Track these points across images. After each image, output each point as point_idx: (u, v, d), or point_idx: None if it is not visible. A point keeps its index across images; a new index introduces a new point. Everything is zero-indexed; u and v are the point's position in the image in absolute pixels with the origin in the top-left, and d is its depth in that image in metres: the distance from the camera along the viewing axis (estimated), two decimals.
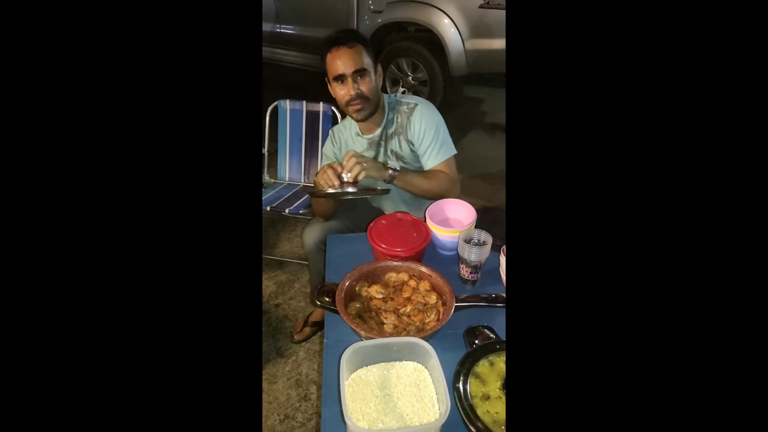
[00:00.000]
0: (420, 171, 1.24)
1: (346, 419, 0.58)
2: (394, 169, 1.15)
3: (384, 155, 1.29)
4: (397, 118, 1.26)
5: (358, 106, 1.19)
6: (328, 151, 1.35)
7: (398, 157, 1.28)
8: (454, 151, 1.24)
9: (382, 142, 1.28)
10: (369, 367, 0.70)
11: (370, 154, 1.29)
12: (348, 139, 1.32)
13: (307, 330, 1.61)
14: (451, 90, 3.03)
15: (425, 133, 1.22)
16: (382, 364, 0.71)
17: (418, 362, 0.71)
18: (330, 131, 1.36)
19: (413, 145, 1.25)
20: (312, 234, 1.33)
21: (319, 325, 1.64)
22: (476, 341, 0.77)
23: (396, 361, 0.71)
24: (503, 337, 0.78)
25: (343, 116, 1.44)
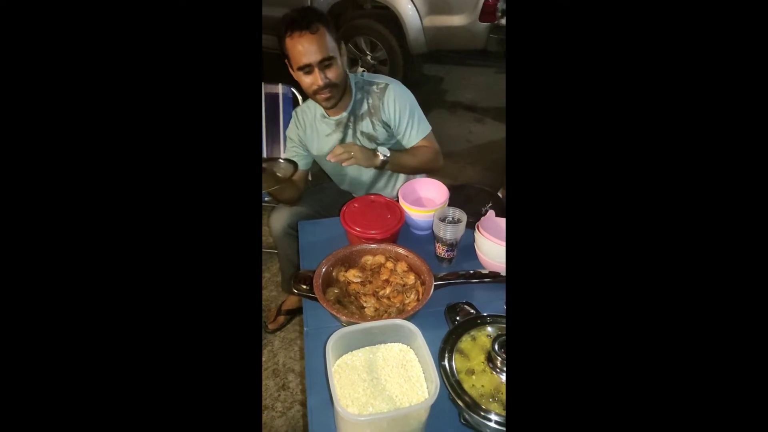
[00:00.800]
0: (405, 151, 1.24)
1: (336, 406, 0.57)
2: (385, 155, 1.14)
3: (353, 137, 1.26)
4: (367, 99, 1.23)
5: (327, 95, 1.14)
6: (291, 133, 1.30)
7: (371, 138, 1.25)
8: (430, 127, 1.24)
9: (350, 124, 1.25)
10: (354, 351, 0.70)
11: (337, 136, 1.26)
12: (313, 121, 1.27)
13: (281, 319, 1.58)
14: (411, 68, 3.00)
15: (401, 114, 1.20)
16: (367, 348, 0.70)
17: (403, 343, 0.71)
18: (293, 113, 1.31)
19: (389, 127, 1.23)
20: (279, 220, 1.29)
21: (293, 313, 1.61)
22: (457, 318, 0.78)
23: (381, 343, 0.71)
24: (483, 312, 0.80)
25: (305, 97, 1.38)
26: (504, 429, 0.62)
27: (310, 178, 1.48)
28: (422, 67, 3.22)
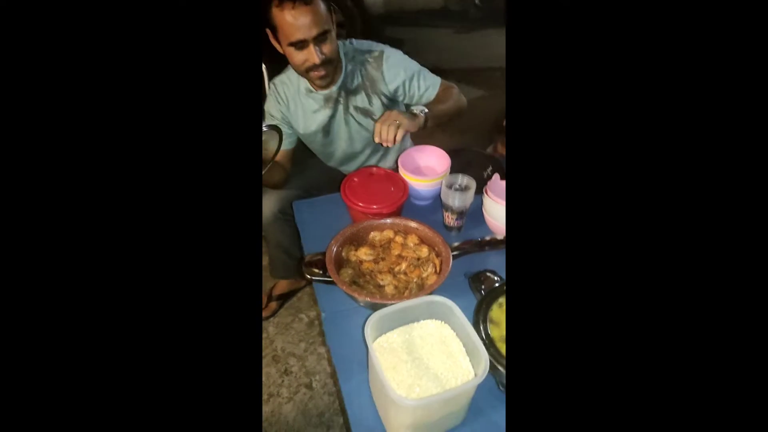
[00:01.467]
0: (433, 101, 1.13)
1: (389, 393, 0.54)
2: (424, 112, 1.02)
3: (345, 113, 1.17)
4: (361, 71, 1.13)
5: (323, 73, 1.04)
6: (272, 110, 1.19)
7: (365, 113, 1.17)
8: (438, 77, 1.16)
9: (341, 99, 1.15)
10: (388, 333, 0.67)
11: (326, 112, 1.17)
12: (296, 96, 1.17)
13: (273, 305, 1.52)
14: (370, 32, 2.87)
15: (407, 77, 1.12)
16: (402, 328, 0.67)
17: (436, 319, 0.68)
18: (271, 85, 1.20)
19: (390, 99, 1.15)
20: (268, 205, 1.21)
21: (284, 298, 1.55)
22: (482, 287, 0.77)
23: (413, 322, 0.68)
24: (505, 279, 0.79)
25: (271, 74, 1.26)
26: None
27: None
28: (384, 29, 3.09)
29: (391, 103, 1.16)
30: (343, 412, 1.26)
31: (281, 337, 1.47)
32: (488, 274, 0.79)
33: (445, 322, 0.68)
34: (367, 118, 1.18)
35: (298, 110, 1.17)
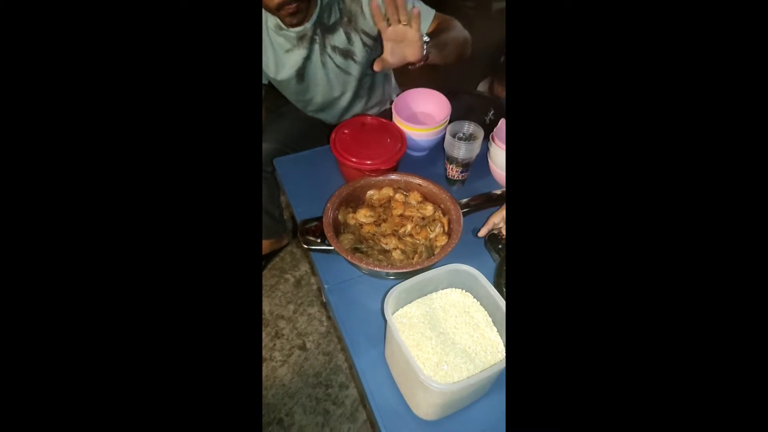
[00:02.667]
0: (436, 30, 0.91)
1: (422, 377, 0.49)
2: (426, 42, 0.81)
3: (322, 53, 1.02)
4: (338, 5, 0.96)
5: (294, 8, 0.87)
6: None
7: (345, 55, 1.02)
8: (432, 9, 0.96)
9: (317, 37, 0.99)
10: (406, 307, 0.60)
11: (300, 53, 1.01)
12: (264, 34, 1.00)
13: None
14: None
15: None
16: (420, 300, 0.61)
17: (456, 287, 0.63)
18: None
19: (372, 37, 0.99)
20: None
21: (267, 259, 1.47)
22: (500, 246, 0.71)
23: (433, 292, 0.62)
24: None
25: None
26: None
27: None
28: None
29: (375, 43, 1.01)
30: (354, 379, 1.24)
31: (268, 300, 1.41)
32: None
33: (466, 291, 0.62)
34: (347, 60, 1.03)
35: (267, 51, 1.01)
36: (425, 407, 0.55)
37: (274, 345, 1.31)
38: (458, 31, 0.93)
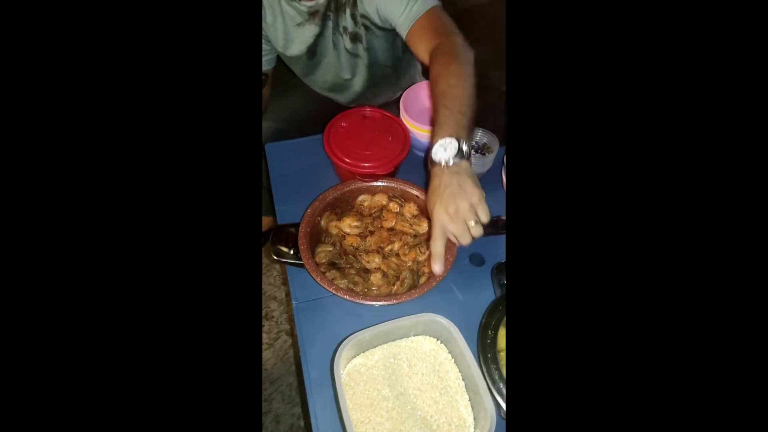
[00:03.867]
0: (445, 92, 0.63)
1: None
2: (461, 156, 0.59)
3: (334, 32, 0.89)
4: None
5: None
6: None
7: (354, 38, 0.89)
8: (437, 1, 0.77)
9: (330, 14, 0.86)
10: (368, 353, 0.52)
11: (312, 29, 0.88)
12: (275, 4, 0.87)
13: None
14: None
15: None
16: (385, 346, 0.53)
17: (430, 335, 0.54)
18: None
19: (372, 23, 0.85)
20: None
21: (265, 236, 1.41)
22: (503, 280, 0.61)
23: (403, 338, 0.54)
24: None
25: None
26: None
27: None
28: None
29: (382, 32, 0.88)
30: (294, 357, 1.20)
31: (262, 279, 1.37)
32: None
33: (441, 342, 0.53)
34: (355, 44, 0.90)
35: (276, 22, 0.89)
36: None
37: (262, 326, 1.28)
38: (463, 77, 0.65)
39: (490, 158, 0.69)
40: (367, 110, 0.79)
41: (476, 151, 0.71)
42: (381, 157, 0.73)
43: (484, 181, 0.75)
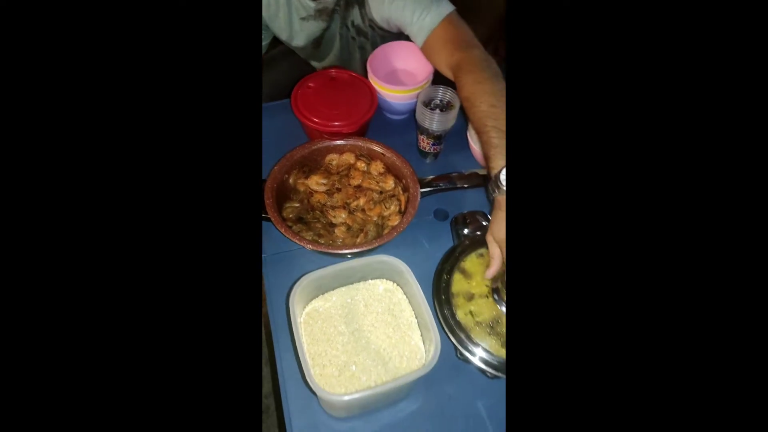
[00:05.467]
0: (481, 102, 0.61)
1: (310, 382, 0.44)
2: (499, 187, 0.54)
3: (341, 27, 0.88)
4: None
5: None
6: None
7: (359, 32, 0.88)
8: (452, 7, 0.73)
9: (338, 8, 0.85)
10: (327, 295, 0.55)
11: (320, 25, 0.87)
12: None
13: None
14: None
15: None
16: (344, 288, 0.55)
17: (387, 278, 0.56)
18: None
19: (378, 26, 0.84)
20: None
21: None
22: (465, 231, 0.63)
23: (360, 281, 0.56)
24: None
25: None
26: (497, 366, 0.53)
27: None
28: None
29: (384, 32, 0.87)
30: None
31: None
32: (477, 215, 0.65)
33: (396, 283, 0.56)
34: (360, 37, 0.90)
35: (280, 13, 0.87)
36: (327, 408, 0.51)
37: None
38: (495, 81, 0.64)
39: (452, 114, 0.71)
40: (334, 72, 0.80)
41: (440, 109, 0.73)
42: (348, 116, 0.75)
43: (449, 139, 0.77)
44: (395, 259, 0.53)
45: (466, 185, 0.71)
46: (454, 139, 0.79)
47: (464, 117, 0.76)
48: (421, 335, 0.52)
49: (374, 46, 0.88)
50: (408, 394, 0.55)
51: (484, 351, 0.53)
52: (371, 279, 0.56)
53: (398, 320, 0.53)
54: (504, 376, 0.55)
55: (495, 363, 0.54)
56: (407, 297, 0.54)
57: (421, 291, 0.51)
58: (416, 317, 0.53)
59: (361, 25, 0.88)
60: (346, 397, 0.44)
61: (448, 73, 0.71)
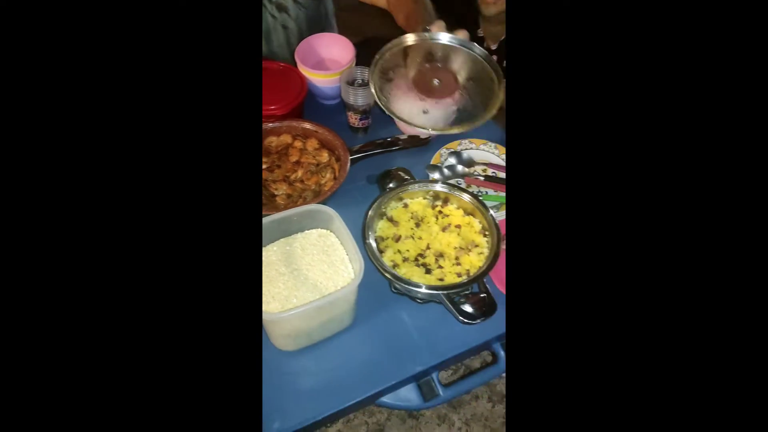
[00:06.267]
0: None
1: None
2: None
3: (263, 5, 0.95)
4: None
5: None
6: None
7: (280, 8, 0.96)
8: None
9: None
10: (268, 246, 0.62)
11: None
12: None
13: None
14: None
15: None
16: (282, 240, 0.63)
17: (321, 227, 0.64)
18: None
19: None
20: None
21: None
22: (390, 185, 0.72)
23: (297, 233, 0.64)
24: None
25: None
26: (424, 293, 0.62)
27: None
28: None
29: (307, 1, 0.96)
30: None
31: None
32: (399, 172, 0.74)
33: (330, 230, 0.64)
34: (281, 14, 0.99)
35: None
36: (276, 336, 0.59)
37: None
38: None
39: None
40: (264, 63, 0.89)
41: (361, 85, 0.82)
42: (281, 100, 0.83)
43: (376, 118, 0.87)
44: (325, 206, 0.61)
45: (390, 148, 0.81)
46: (381, 117, 0.89)
47: None
48: (352, 269, 0.60)
49: (298, 24, 0.96)
50: (351, 325, 0.64)
51: (414, 283, 0.62)
52: (307, 230, 0.64)
53: (332, 258, 0.61)
54: (431, 301, 0.64)
55: (423, 290, 0.62)
56: (339, 240, 0.63)
57: (350, 233, 0.59)
58: (347, 254, 0.61)
59: (281, 1, 0.95)
60: (286, 314, 0.51)
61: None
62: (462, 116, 0.74)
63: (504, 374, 0.70)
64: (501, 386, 1.22)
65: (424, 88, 0.76)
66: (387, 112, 0.74)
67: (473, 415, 1.15)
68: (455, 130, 0.73)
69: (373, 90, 0.74)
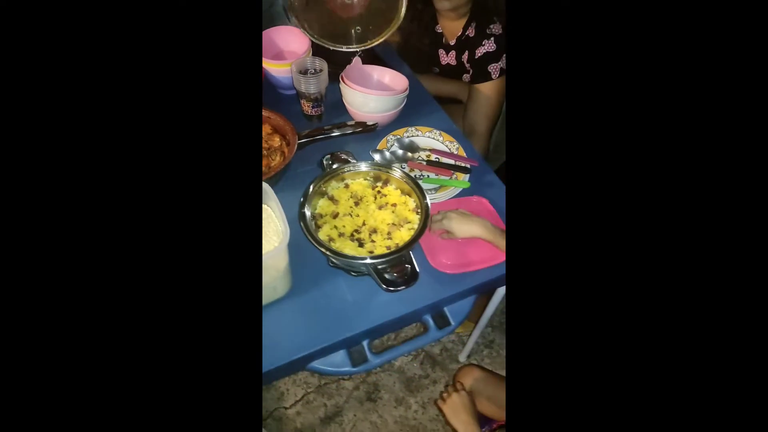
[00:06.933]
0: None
1: None
2: None
3: None
4: None
5: None
6: None
7: None
8: None
9: None
10: None
11: None
12: None
13: None
14: None
15: None
16: None
17: (264, 204, 0.69)
18: None
19: None
20: None
21: None
22: (334, 166, 0.77)
23: None
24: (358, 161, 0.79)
25: None
26: (358, 266, 0.65)
27: None
28: None
29: None
30: None
31: None
32: (342, 154, 0.79)
33: (267, 205, 0.68)
34: None
35: None
36: None
37: None
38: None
39: (323, 76, 0.86)
40: None
41: (313, 74, 0.87)
42: None
43: (329, 100, 0.91)
44: (264, 183, 0.65)
45: (336, 133, 0.85)
46: (336, 105, 0.94)
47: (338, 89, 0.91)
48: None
49: None
50: (285, 296, 0.68)
51: (348, 256, 0.66)
52: None
53: (265, 229, 0.65)
54: (366, 274, 0.68)
55: (357, 264, 0.66)
56: (274, 214, 0.67)
57: (280, 204, 0.64)
58: (281, 225, 0.66)
59: None
60: None
61: None
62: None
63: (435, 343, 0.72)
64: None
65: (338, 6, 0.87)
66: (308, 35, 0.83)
67: (429, 399, 1.19)
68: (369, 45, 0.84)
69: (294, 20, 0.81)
